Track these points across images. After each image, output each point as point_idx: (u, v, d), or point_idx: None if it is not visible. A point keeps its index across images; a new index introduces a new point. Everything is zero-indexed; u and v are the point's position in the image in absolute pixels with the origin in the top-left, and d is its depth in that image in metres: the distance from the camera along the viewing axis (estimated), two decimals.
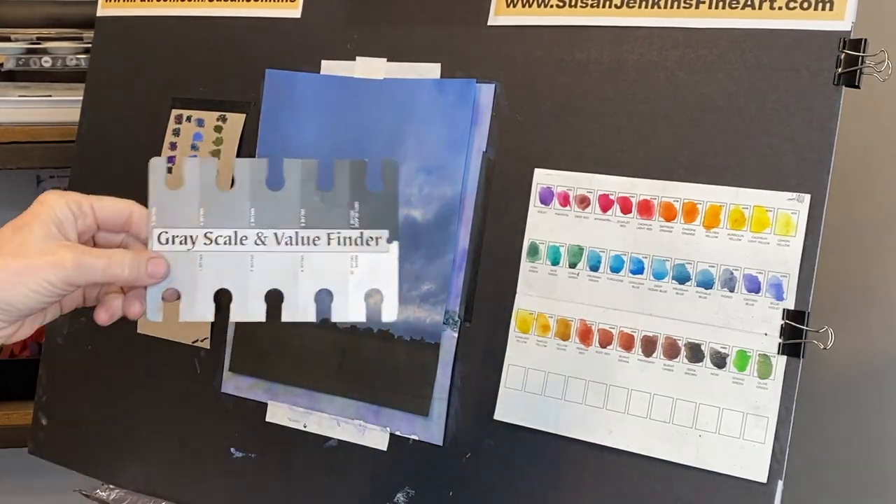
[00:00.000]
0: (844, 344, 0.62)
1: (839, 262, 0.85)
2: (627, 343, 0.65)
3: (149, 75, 0.89)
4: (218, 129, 0.84)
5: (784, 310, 0.61)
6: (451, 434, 0.71)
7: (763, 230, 0.62)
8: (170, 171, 0.83)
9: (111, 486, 0.86)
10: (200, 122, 0.85)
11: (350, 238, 0.60)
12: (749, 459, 0.61)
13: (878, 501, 0.93)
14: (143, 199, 0.60)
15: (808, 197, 0.61)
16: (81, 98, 0.94)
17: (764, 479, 0.60)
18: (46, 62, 1.11)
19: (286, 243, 0.60)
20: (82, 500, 0.87)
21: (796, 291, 0.61)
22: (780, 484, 0.60)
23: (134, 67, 0.90)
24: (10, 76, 1.13)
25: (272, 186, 0.60)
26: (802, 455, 0.67)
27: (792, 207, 0.62)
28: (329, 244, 0.60)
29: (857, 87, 0.61)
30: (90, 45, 0.98)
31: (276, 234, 0.60)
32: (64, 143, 1.01)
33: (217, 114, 0.84)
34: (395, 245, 0.60)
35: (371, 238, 0.60)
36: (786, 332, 0.61)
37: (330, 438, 0.76)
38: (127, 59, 0.91)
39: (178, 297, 0.60)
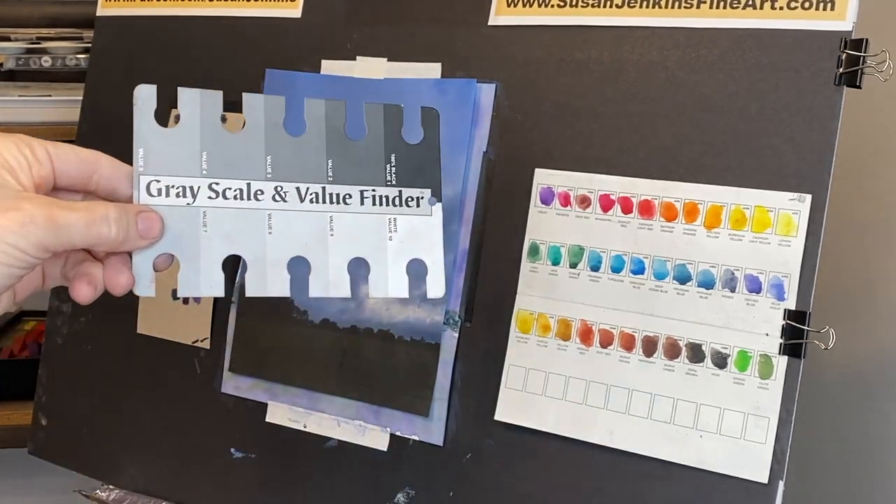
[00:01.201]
0: (846, 344, 0.62)
1: (840, 263, 0.85)
2: (628, 343, 0.65)
3: (148, 75, 0.89)
4: None
5: (785, 310, 0.61)
6: (452, 434, 0.71)
7: (764, 230, 0.62)
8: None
9: (110, 487, 0.86)
10: None
11: (387, 197, 0.52)
12: (750, 460, 0.61)
13: (879, 502, 0.93)
14: None
15: (809, 197, 0.61)
16: (81, 98, 0.93)
17: (765, 480, 0.60)
18: (46, 62, 1.11)
19: (311, 201, 0.50)
20: (82, 501, 0.87)
21: (797, 292, 0.61)
22: (781, 485, 0.60)
23: (134, 67, 0.90)
24: (10, 76, 1.13)
25: (291, 131, 0.51)
26: (803, 456, 0.67)
27: (793, 208, 0.61)
28: (363, 204, 0.51)
29: (859, 87, 0.61)
30: (90, 45, 0.98)
31: (298, 188, 0.50)
32: (63, 142, 1.01)
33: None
34: (438, 207, 0.52)
35: (411, 198, 0.52)
36: (787, 332, 0.61)
37: (330, 439, 0.76)
38: (127, 58, 0.91)
39: (171, 265, 0.50)
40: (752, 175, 0.63)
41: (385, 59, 0.77)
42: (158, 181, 0.48)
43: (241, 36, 0.84)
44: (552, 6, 0.71)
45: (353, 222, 0.51)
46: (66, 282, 0.49)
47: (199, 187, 0.49)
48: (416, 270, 0.53)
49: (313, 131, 0.51)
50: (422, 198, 0.53)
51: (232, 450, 0.81)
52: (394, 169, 0.52)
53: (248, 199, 0.50)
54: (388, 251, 0.52)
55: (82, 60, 1.10)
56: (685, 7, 0.66)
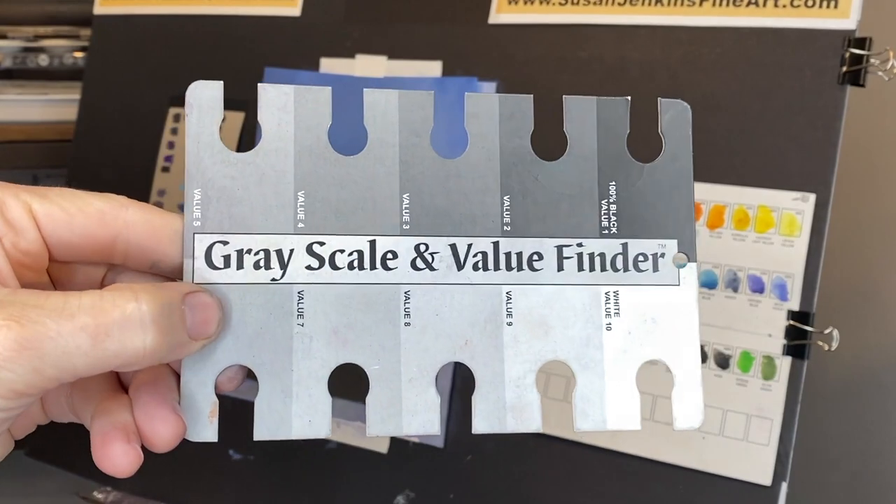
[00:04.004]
0: (850, 345, 0.61)
1: (844, 263, 0.84)
2: None
3: (146, 73, 0.88)
4: None
5: (788, 311, 0.60)
6: (452, 436, 0.71)
7: (767, 230, 0.62)
8: (166, 170, 0.68)
9: (108, 489, 0.86)
10: None
11: (602, 256, 0.32)
12: (753, 462, 0.60)
13: (882, 503, 0.92)
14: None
15: (812, 196, 0.61)
16: (79, 97, 0.93)
17: (768, 482, 0.60)
18: (43, 60, 1.10)
19: (475, 267, 0.31)
20: (79, 503, 0.86)
21: (801, 292, 0.60)
22: (785, 486, 0.60)
23: (131, 66, 0.89)
24: (7, 74, 1.13)
25: (442, 149, 0.32)
26: (807, 457, 0.67)
27: (796, 207, 0.61)
28: (561, 269, 0.32)
29: (862, 85, 0.61)
30: (87, 44, 0.97)
31: (454, 247, 0.31)
32: (61, 142, 1.01)
33: None
34: (691, 269, 0.33)
35: (643, 256, 0.32)
36: (790, 333, 0.60)
37: (329, 440, 0.76)
38: (124, 57, 0.90)
39: (241, 382, 0.34)
40: (754, 174, 0.63)
41: (385, 58, 0.76)
42: (226, 242, 0.30)
43: (239, 34, 0.84)
44: (553, 4, 0.70)
45: (547, 301, 0.32)
46: (77, 418, 0.32)
47: (291, 251, 0.30)
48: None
49: (479, 148, 0.32)
50: (661, 255, 0.33)
51: (230, 451, 0.80)
52: (614, 207, 0.33)
53: (372, 267, 0.31)
54: (605, 349, 0.32)
55: (80, 59, 1.09)
56: (688, 5, 0.66)
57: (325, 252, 0.31)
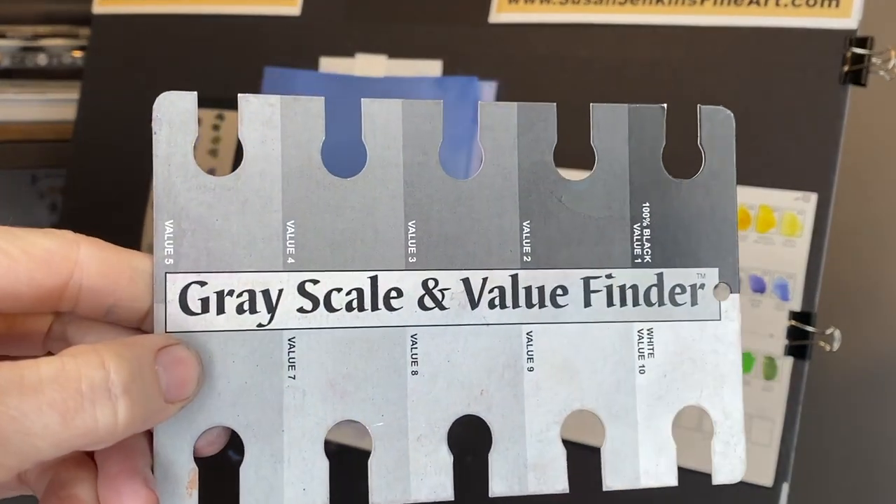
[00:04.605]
0: (851, 346, 0.61)
1: (846, 263, 0.84)
2: None
3: (145, 73, 0.88)
4: (216, 127, 0.83)
5: (790, 311, 0.60)
6: (452, 437, 0.70)
7: (768, 230, 0.62)
8: None
9: None
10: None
11: (634, 289, 0.29)
12: (754, 463, 0.60)
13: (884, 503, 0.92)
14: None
15: (814, 196, 0.60)
16: (78, 96, 0.93)
17: (770, 483, 0.60)
18: (42, 60, 1.10)
19: (491, 304, 0.28)
20: None
21: (802, 292, 0.60)
22: (786, 487, 0.60)
23: (131, 65, 0.89)
24: (6, 74, 1.12)
25: (451, 168, 0.29)
26: (809, 458, 0.67)
27: (798, 207, 0.61)
28: (588, 304, 0.28)
29: (864, 85, 0.61)
30: (86, 43, 0.97)
31: (466, 282, 0.28)
32: (60, 141, 1.01)
33: (215, 112, 0.83)
34: (734, 301, 0.30)
35: (679, 288, 0.29)
36: (791, 333, 0.60)
37: (329, 442, 0.75)
38: (123, 56, 0.90)
39: (224, 444, 0.30)
40: (755, 174, 0.63)
41: (385, 57, 0.76)
42: (203, 283, 0.26)
43: (239, 34, 0.84)
44: (554, 3, 0.70)
45: (572, 342, 0.28)
46: (26, 488, 0.28)
47: (280, 291, 0.27)
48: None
49: (494, 166, 0.29)
50: (700, 286, 0.29)
51: (230, 452, 0.80)
52: (647, 232, 0.29)
53: (374, 307, 0.27)
54: (637, 395, 0.29)
55: (78, 58, 1.09)
56: (688, 4, 0.66)
57: (319, 291, 0.27)
